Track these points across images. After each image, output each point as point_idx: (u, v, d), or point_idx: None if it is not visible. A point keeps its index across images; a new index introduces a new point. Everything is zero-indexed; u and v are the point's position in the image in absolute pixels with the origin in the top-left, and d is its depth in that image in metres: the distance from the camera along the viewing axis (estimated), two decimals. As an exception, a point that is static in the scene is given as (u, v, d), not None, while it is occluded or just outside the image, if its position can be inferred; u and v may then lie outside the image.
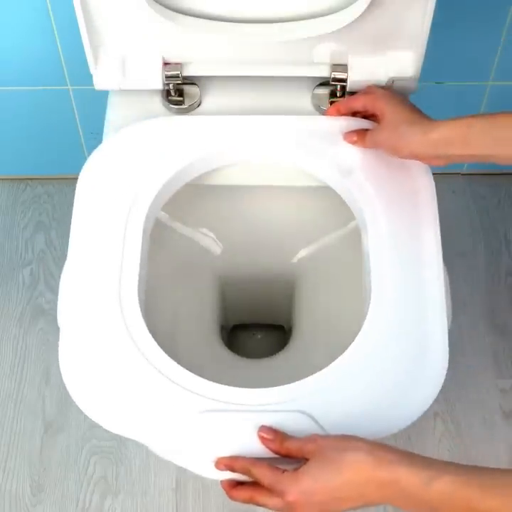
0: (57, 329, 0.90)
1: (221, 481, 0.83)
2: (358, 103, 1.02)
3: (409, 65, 1.06)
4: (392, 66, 1.06)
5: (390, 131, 0.95)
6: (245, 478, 0.81)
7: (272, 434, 0.81)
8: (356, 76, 1.07)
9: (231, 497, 0.82)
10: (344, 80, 1.07)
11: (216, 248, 1.17)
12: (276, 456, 0.81)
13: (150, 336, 0.88)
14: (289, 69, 1.08)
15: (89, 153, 1.02)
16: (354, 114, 1.03)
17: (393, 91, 1.02)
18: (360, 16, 0.99)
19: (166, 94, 1.10)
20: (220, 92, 1.11)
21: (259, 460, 0.80)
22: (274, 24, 1.03)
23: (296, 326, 1.18)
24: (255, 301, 1.26)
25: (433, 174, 1.00)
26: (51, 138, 1.50)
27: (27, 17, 1.26)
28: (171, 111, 1.09)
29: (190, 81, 1.10)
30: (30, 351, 1.44)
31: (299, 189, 1.10)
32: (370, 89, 1.03)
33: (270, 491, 0.79)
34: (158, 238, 1.03)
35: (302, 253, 1.18)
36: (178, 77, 1.08)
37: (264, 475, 0.79)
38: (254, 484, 0.80)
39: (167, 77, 1.08)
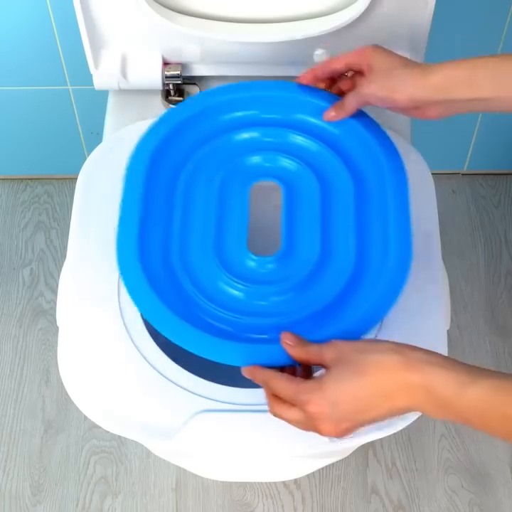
0: (57, 329, 0.90)
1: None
2: (339, 63, 0.90)
3: (409, 65, 1.06)
4: (392, 66, 1.06)
5: (383, 78, 0.86)
6: (255, 480, 0.80)
7: (294, 340, 0.76)
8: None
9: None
10: (344, 80, 1.07)
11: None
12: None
13: (149, 336, 0.88)
14: (289, 69, 1.08)
15: (89, 153, 1.03)
16: (332, 83, 0.93)
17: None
18: (360, 16, 1.00)
19: (166, 94, 1.10)
20: (220, 92, 1.11)
21: (279, 373, 0.75)
22: (274, 24, 1.03)
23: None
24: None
25: (433, 174, 1.00)
26: (51, 138, 1.50)
27: (27, 17, 1.26)
28: (170, 111, 1.09)
29: (190, 81, 1.11)
30: (30, 351, 1.44)
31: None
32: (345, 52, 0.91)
33: (290, 404, 0.73)
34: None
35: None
36: (178, 77, 1.08)
37: (283, 387, 0.73)
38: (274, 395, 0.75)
39: (167, 77, 1.08)
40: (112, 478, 1.33)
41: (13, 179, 1.61)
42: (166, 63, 1.08)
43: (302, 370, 0.78)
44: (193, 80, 1.11)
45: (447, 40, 1.30)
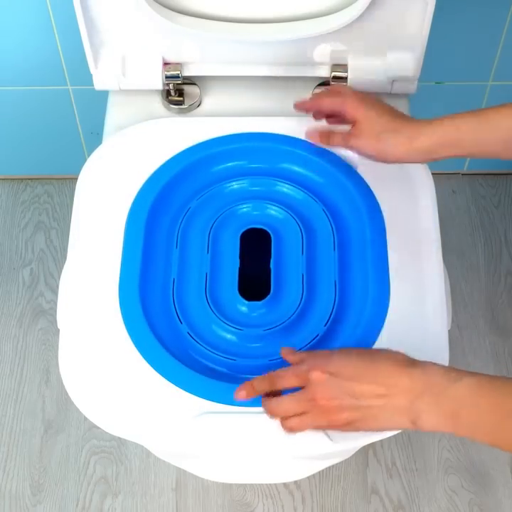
0: (57, 329, 0.90)
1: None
2: (324, 105, 0.95)
3: (409, 65, 1.06)
4: (392, 66, 1.06)
5: (371, 138, 0.90)
6: (256, 482, 0.80)
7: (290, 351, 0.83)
8: (356, 76, 1.07)
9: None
10: (344, 80, 1.07)
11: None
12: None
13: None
14: (289, 69, 1.08)
15: (89, 153, 1.03)
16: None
17: (361, 92, 0.94)
18: (360, 15, 1.00)
19: (166, 94, 1.10)
20: (220, 92, 1.11)
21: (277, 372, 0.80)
22: (274, 24, 1.03)
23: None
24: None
25: (433, 174, 1.00)
26: (51, 138, 1.50)
27: (27, 17, 1.25)
28: (171, 111, 1.09)
29: (190, 81, 1.11)
30: (30, 351, 1.44)
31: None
32: (335, 89, 0.97)
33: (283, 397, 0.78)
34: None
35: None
36: (178, 77, 1.08)
37: (287, 368, 0.79)
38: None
39: (167, 77, 1.08)
40: (111, 478, 1.33)
41: (13, 179, 1.61)
42: (166, 63, 1.08)
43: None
44: (193, 80, 1.11)
45: (447, 40, 1.30)
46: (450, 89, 1.40)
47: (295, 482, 1.32)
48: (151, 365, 0.86)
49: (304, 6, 1.02)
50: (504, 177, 1.60)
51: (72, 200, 0.98)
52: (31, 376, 1.42)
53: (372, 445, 1.35)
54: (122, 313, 0.89)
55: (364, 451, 1.35)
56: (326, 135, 0.96)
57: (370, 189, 0.98)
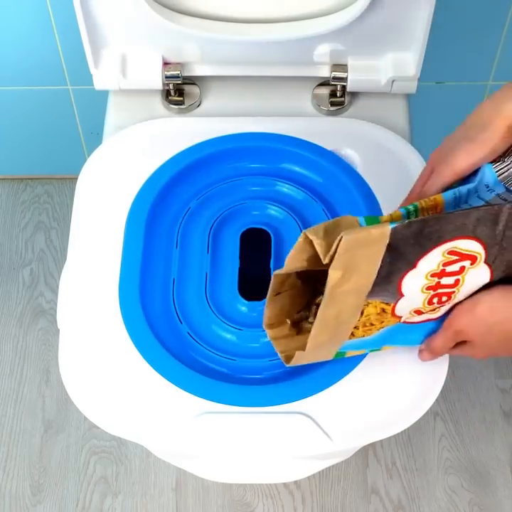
0: (57, 329, 0.90)
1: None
2: None
3: (409, 65, 1.06)
4: (392, 66, 1.06)
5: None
6: (256, 482, 0.80)
7: (426, 351, 0.85)
8: (356, 76, 1.07)
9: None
10: (344, 80, 1.07)
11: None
12: None
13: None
14: (289, 69, 1.08)
15: (89, 153, 1.03)
16: None
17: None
18: (360, 15, 1.00)
19: (166, 94, 1.10)
20: (220, 92, 1.11)
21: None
22: (274, 24, 1.03)
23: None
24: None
25: (433, 174, 1.00)
26: (51, 138, 1.50)
27: (27, 17, 1.26)
28: (171, 111, 1.09)
29: (190, 81, 1.11)
30: (30, 351, 1.44)
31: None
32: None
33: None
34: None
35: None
36: (178, 77, 1.08)
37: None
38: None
39: (167, 77, 1.08)
40: (111, 478, 1.33)
41: (13, 179, 1.61)
42: (166, 63, 1.08)
43: None
44: (193, 80, 1.11)
45: (447, 40, 1.30)
46: (450, 89, 1.40)
47: (295, 482, 1.32)
48: (151, 365, 0.86)
49: (304, 6, 1.02)
50: (504, 177, 1.60)
51: (72, 200, 0.98)
52: (31, 376, 1.42)
53: (372, 445, 1.36)
54: (122, 313, 0.89)
55: (364, 451, 1.35)
56: None
57: (370, 189, 0.98)
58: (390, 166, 1.00)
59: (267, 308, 0.83)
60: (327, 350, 0.82)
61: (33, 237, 1.55)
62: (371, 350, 0.85)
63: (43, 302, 1.48)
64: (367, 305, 0.77)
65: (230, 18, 1.03)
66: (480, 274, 0.76)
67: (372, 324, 0.79)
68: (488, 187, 0.78)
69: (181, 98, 1.09)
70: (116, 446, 1.35)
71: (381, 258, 0.72)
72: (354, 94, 1.10)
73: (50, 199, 1.59)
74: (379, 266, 0.72)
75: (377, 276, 0.73)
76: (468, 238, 0.73)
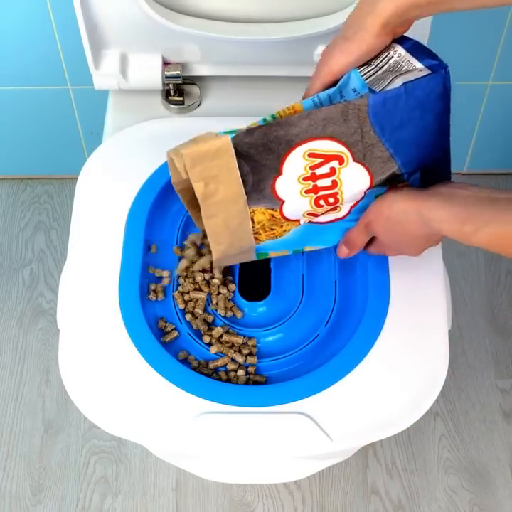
0: (57, 329, 0.90)
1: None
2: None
3: (409, 65, 1.06)
4: (392, 66, 1.06)
5: None
6: (256, 482, 0.81)
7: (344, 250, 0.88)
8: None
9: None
10: (344, 80, 1.07)
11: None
12: None
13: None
14: (289, 69, 1.08)
15: (89, 153, 1.03)
16: None
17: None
18: (360, 16, 0.99)
19: (166, 94, 1.10)
20: (220, 92, 1.11)
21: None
22: (274, 24, 1.03)
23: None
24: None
25: (433, 174, 1.00)
26: (51, 138, 1.50)
27: (27, 17, 1.26)
28: (171, 111, 1.09)
29: (190, 81, 1.11)
30: (30, 351, 1.44)
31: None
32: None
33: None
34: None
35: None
36: (178, 77, 1.08)
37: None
38: None
39: (167, 77, 1.08)
40: (111, 478, 1.33)
41: (13, 179, 1.61)
42: (166, 63, 1.08)
43: None
44: (193, 80, 1.11)
45: (447, 40, 1.29)
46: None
47: (295, 482, 1.32)
48: (151, 365, 0.86)
49: (304, 6, 1.02)
50: (504, 177, 1.60)
51: (72, 200, 0.98)
52: (31, 376, 1.42)
53: (372, 445, 1.36)
54: (122, 313, 0.89)
55: (364, 451, 1.35)
56: None
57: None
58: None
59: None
60: (242, 255, 0.87)
61: (33, 237, 1.55)
62: (294, 251, 0.89)
63: (43, 302, 1.48)
64: (253, 212, 0.82)
65: (230, 18, 1.03)
66: (356, 174, 0.79)
67: (272, 229, 0.84)
68: (355, 91, 0.80)
69: (181, 98, 1.09)
70: (116, 446, 1.35)
71: (236, 166, 0.78)
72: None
73: (50, 199, 1.59)
74: (239, 174, 0.78)
75: (247, 185, 0.79)
76: (322, 139, 0.77)
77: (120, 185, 0.99)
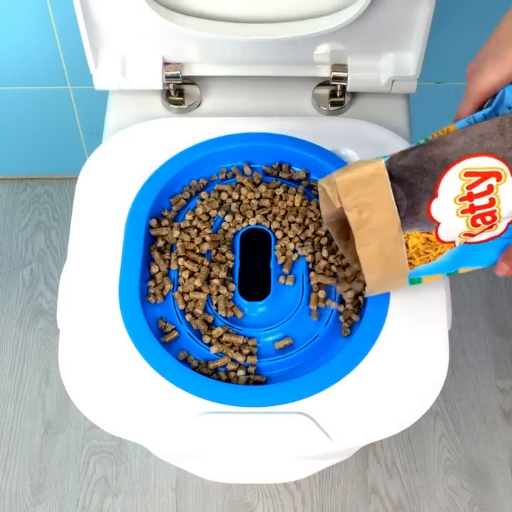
0: (57, 329, 0.90)
1: None
2: None
3: (409, 65, 1.06)
4: (392, 66, 1.06)
5: None
6: (256, 482, 0.81)
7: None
8: (356, 76, 1.07)
9: None
10: (344, 80, 1.07)
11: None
12: None
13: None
14: (289, 69, 1.08)
15: (89, 153, 1.03)
16: None
17: None
18: (360, 15, 1.00)
19: (166, 94, 1.10)
20: (220, 92, 1.11)
21: None
22: (274, 24, 1.03)
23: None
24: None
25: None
26: (51, 138, 1.50)
27: (27, 17, 1.26)
28: (171, 111, 1.09)
29: (190, 81, 1.11)
30: (30, 351, 1.44)
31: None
32: None
33: None
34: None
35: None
36: (178, 77, 1.08)
37: None
38: None
39: (167, 77, 1.08)
40: (111, 478, 1.33)
41: (13, 179, 1.61)
42: (166, 63, 1.08)
43: None
44: (193, 80, 1.11)
45: (447, 40, 1.30)
46: (450, 89, 1.40)
47: (295, 482, 1.32)
48: (151, 365, 0.86)
49: (304, 6, 1.02)
50: (504, 177, 1.60)
51: (72, 200, 0.98)
52: (31, 376, 1.42)
53: (372, 445, 1.36)
54: (122, 313, 0.89)
55: (364, 451, 1.35)
56: None
57: None
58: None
59: (345, 254, 0.87)
60: (395, 282, 0.85)
61: (33, 237, 1.56)
62: (448, 274, 0.86)
63: (43, 302, 1.48)
64: (407, 237, 0.79)
65: (230, 18, 1.03)
66: None
67: (426, 253, 0.81)
68: (510, 108, 0.77)
69: (181, 98, 1.09)
70: (116, 446, 1.35)
71: (390, 191, 0.75)
72: (354, 94, 1.10)
73: (50, 199, 1.60)
74: (393, 199, 0.75)
75: (401, 210, 0.76)
76: (479, 155, 0.74)
77: (120, 185, 0.99)
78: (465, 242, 0.81)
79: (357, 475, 1.33)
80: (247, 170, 1.01)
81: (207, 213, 0.98)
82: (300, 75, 1.09)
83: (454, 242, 0.81)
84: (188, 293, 0.93)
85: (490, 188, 0.76)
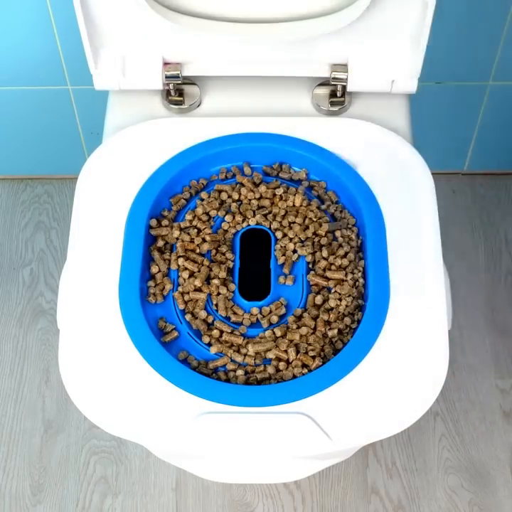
0: (57, 329, 0.90)
1: None
2: None
3: (409, 65, 1.06)
4: (392, 66, 1.06)
5: None
6: (256, 482, 0.81)
7: None
8: (356, 76, 1.07)
9: None
10: (344, 80, 1.07)
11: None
12: None
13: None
14: (289, 69, 1.08)
15: (89, 153, 1.03)
16: None
17: None
18: (361, 15, 1.00)
19: (166, 94, 1.10)
20: (220, 92, 1.11)
21: None
22: (274, 24, 1.03)
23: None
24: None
25: (433, 174, 1.00)
26: (51, 138, 1.50)
27: (27, 17, 1.26)
28: (171, 111, 1.09)
29: (190, 81, 1.11)
30: (30, 351, 1.44)
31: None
32: None
33: None
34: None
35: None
36: (178, 77, 1.08)
37: None
38: None
39: (167, 77, 1.08)
40: (112, 478, 1.33)
41: (13, 179, 1.61)
42: (166, 63, 1.08)
43: None
44: (193, 80, 1.11)
45: (447, 40, 1.30)
46: (450, 89, 1.40)
47: (295, 482, 1.32)
48: (151, 365, 0.86)
49: (304, 6, 1.02)
50: (504, 177, 1.60)
51: (72, 200, 0.98)
52: (31, 376, 1.42)
53: (372, 445, 1.35)
54: (122, 313, 0.90)
55: (364, 451, 1.35)
56: None
57: (370, 189, 0.98)
58: (390, 166, 1.00)
59: None
60: None
61: (33, 237, 1.55)
62: None
63: (43, 302, 1.48)
64: None
65: (230, 18, 1.03)
66: None
67: None
68: None
69: (181, 98, 1.09)
70: (116, 446, 1.35)
71: None
72: (354, 94, 1.10)
73: (50, 199, 1.59)
74: None
75: None
76: None
77: (120, 185, 0.99)
78: None
79: (357, 475, 1.33)
80: (247, 170, 1.01)
81: (207, 213, 0.98)
82: (300, 74, 1.09)
83: None
84: (188, 293, 0.93)
85: None
